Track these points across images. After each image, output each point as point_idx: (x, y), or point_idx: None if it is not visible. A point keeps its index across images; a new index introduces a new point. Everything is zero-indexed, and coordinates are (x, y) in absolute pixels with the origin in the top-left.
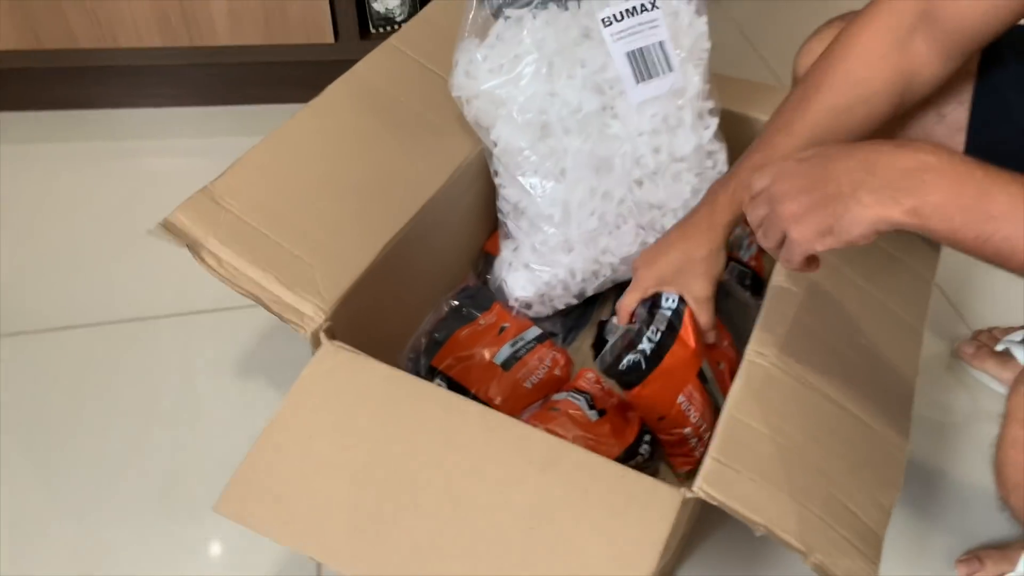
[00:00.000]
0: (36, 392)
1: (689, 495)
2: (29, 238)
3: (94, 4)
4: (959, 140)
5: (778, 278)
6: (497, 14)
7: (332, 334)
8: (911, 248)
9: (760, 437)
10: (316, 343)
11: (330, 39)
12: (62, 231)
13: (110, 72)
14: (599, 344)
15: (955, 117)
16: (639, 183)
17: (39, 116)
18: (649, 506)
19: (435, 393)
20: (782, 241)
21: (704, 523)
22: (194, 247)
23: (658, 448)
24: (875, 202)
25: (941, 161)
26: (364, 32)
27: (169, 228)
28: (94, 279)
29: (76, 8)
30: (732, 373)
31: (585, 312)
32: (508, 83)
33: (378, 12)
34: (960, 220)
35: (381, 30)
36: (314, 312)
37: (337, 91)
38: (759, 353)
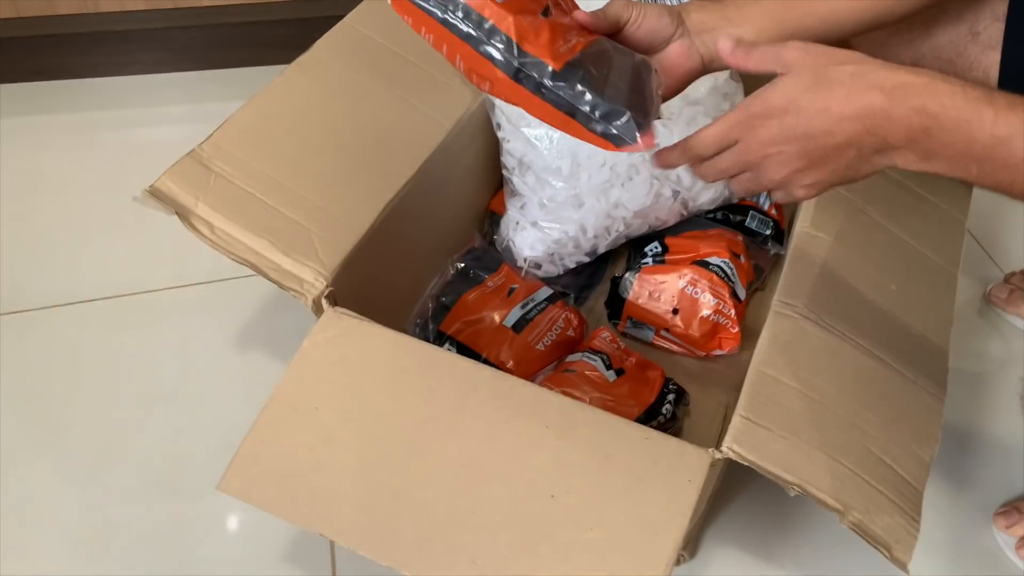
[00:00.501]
0: (34, 371)
1: (718, 455)
2: (17, 213)
3: None
4: (993, 58)
5: (803, 224)
6: None
7: (334, 300)
8: (941, 188)
9: (790, 392)
10: (318, 310)
11: None
12: (51, 205)
13: (92, 39)
14: (613, 302)
15: (989, 34)
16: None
17: (21, 88)
18: (676, 469)
19: (445, 358)
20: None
21: (731, 481)
22: (184, 214)
23: (680, 407)
24: (886, 161)
25: (945, 110)
26: None
27: (156, 195)
28: (86, 254)
29: None
30: None
31: (597, 270)
32: None
33: None
34: (978, 170)
35: None
36: (314, 278)
37: (326, 45)
38: (786, 304)
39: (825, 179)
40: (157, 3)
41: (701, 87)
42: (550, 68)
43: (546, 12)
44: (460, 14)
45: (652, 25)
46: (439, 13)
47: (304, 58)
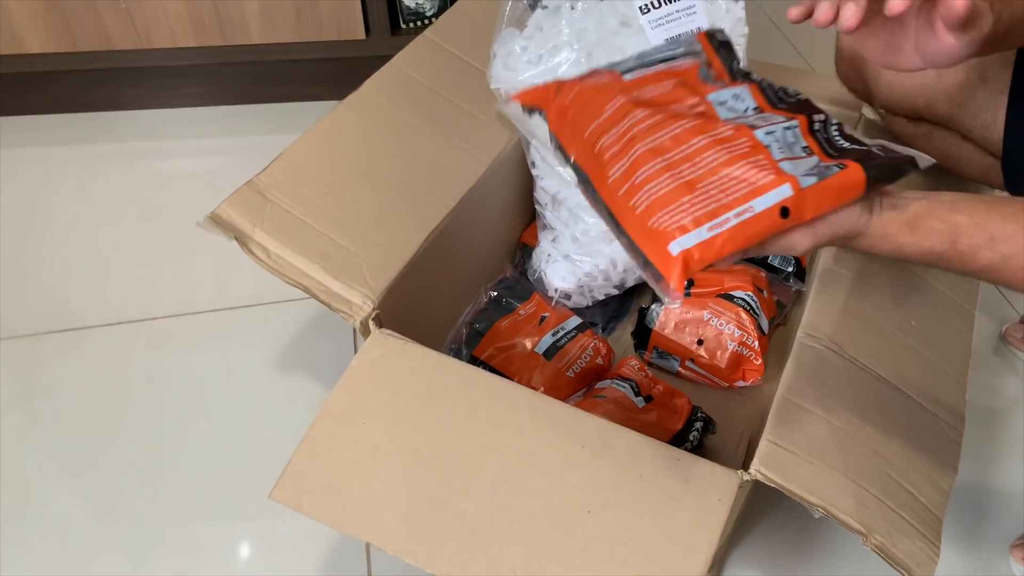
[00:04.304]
0: (81, 391)
1: (746, 477)
2: (67, 237)
3: (130, 5)
4: (1001, 102)
5: (826, 261)
6: (534, 5)
7: (380, 323)
8: None
9: (815, 419)
10: (365, 331)
11: (361, 35)
12: (100, 230)
13: (143, 73)
14: (640, 332)
15: (999, 79)
16: None
17: (74, 118)
18: (706, 489)
19: (484, 379)
20: None
21: (754, 507)
22: (242, 239)
23: (707, 435)
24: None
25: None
26: (395, 27)
27: (217, 221)
28: (133, 276)
29: (112, 10)
30: None
31: (624, 302)
32: (546, 73)
33: (408, 7)
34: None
35: (411, 25)
36: (362, 301)
37: (375, 85)
38: (811, 336)
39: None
40: (207, 40)
41: None
42: None
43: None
44: None
45: None
46: None
47: (353, 97)
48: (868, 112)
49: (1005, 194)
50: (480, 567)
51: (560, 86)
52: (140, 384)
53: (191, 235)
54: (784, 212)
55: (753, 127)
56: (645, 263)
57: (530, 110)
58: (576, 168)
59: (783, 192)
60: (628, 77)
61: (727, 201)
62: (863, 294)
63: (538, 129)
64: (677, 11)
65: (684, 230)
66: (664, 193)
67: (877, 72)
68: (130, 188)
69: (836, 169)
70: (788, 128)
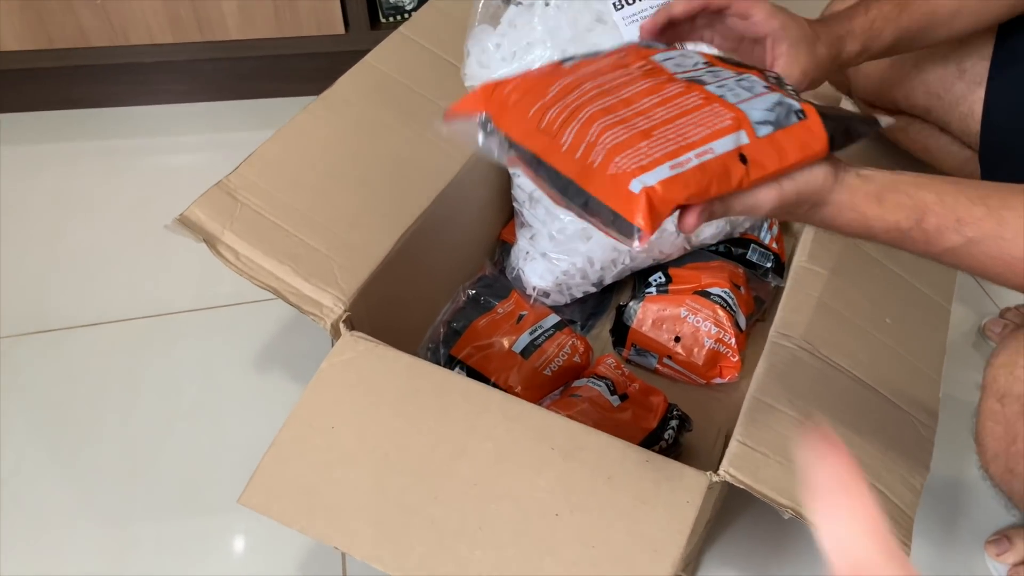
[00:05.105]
0: (58, 390)
1: (716, 479)
2: (46, 238)
3: (106, 3)
4: (979, 94)
5: (801, 258)
6: (508, 0)
7: (351, 325)
8: None
9: (786, 420)
10: (336, 334)
11: (340, 30)
12: (79, 228)
13: (121, 70)
14: (618, 330)
15: (976, 71)
16: None
17: (54, 115)
18: (675, 491)
19: (456, 381)
20: None
21: (730, 505)
22: (211, 241)
23: (683, 432)
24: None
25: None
26: (374, 22)
27: (186, 223)
28: (112, 276)
29: (88, 7)
30: None
31: (603, 299)
32: (521, 70)
33: (388, 1)
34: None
35: (391, 19)
36: (333, 303)
37: (348, 82)
38: (783, 335)
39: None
40: (184, 36)
41: None
42: None
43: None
44: None
45: None
46: None
47: (327, 94)
48: (848, 105)
49: None
50: (447, 572)
51: (497, 84)
52: (118, 385)
53: (171, 234)
54: (743, 158)
55: (703, 82)
56: (613, 217)
57: (468, 119)
58: (520, 150)
59: (740, 138)
60: (569, 64)
61: (686, 143)
62: (837, 292)
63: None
64: (651, 7)
65: (644, 169)
66: (621, 140)
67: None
68: (110, 186)
69: (795, 118)
70: (741, 80)
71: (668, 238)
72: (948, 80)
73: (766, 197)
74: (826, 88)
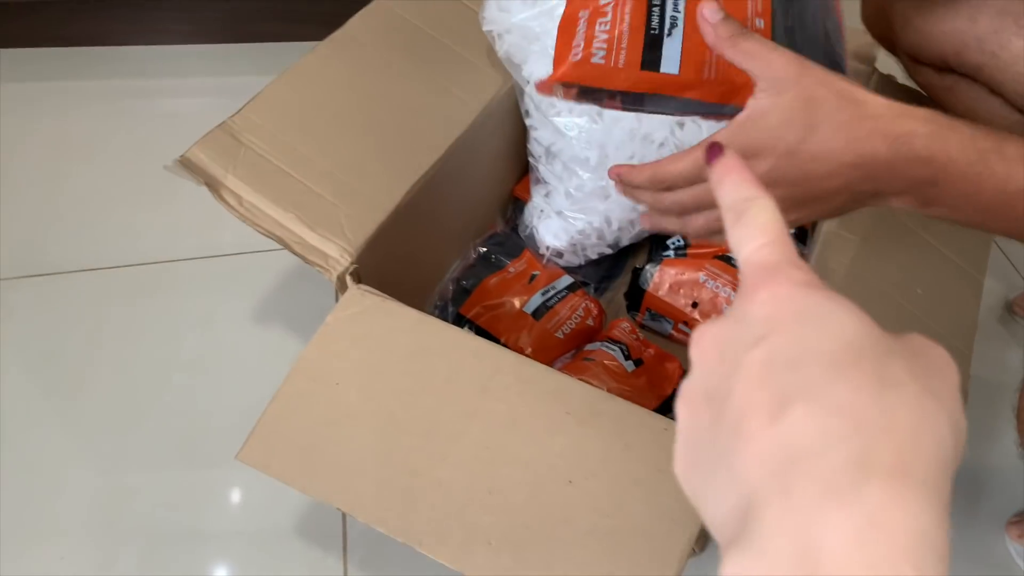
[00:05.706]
0: (56, 335)
1: None
2: (44, 177)
3: None
4: None
5: (830, 224)
6: None
7: (358, 278)
8: None
9: None
10: (342, 287)
11: None
12: (78, 171)
13: (124, 6)
14: (633, 293)
15: None
16: (680, 124)
17: (49, 52)
18: None
19: (468, 340)
20: None
21: None
22: (213, 185)
23: None
24: (881, 203)
25: (953, 162)
26: None
27: (186, 165)
28: (112, 221)
29: None
30: None
31: (618, 262)
32: (543, 15)
33: None
34: (982, 219)
35: None
36: (339, 254)
37: (360, 22)
38: None
39: (806, 216)
40: None
41: None
42: None
43: None
44: None
45: None
46: None
47: (337, 35)
48: (883, 67)
49: None
50: (453, 537)
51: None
52: (115, 332)
53: (173, 178)
54: None
55: None
56: None
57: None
58: None
59: None
60: None
61: None
62: (868, 259)
63: (533, 76)
64: None
65: None
66: None
67: (906, 16)
68: (110, 127)
69: None
70: None
71: None
72: (1006, 36)
73: None
74: (860, 49)
